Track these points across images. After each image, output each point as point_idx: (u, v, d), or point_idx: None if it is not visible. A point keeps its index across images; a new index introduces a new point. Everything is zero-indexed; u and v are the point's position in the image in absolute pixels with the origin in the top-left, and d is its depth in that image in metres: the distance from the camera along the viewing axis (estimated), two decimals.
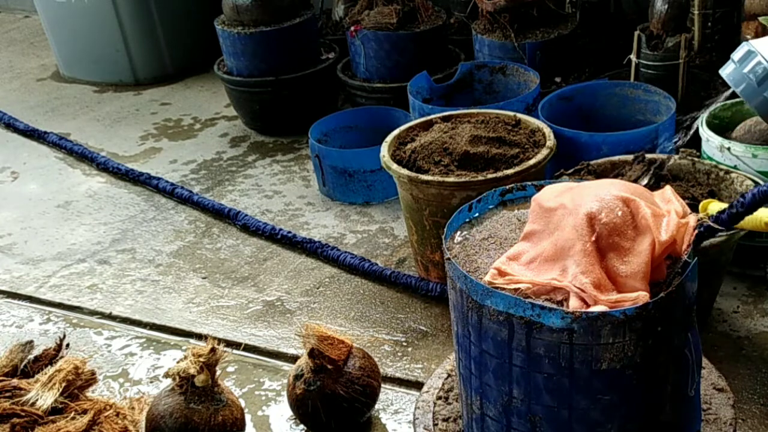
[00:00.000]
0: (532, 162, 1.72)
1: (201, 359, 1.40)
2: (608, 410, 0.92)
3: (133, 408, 1.50)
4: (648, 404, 0.93)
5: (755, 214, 1.44)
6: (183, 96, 3.23)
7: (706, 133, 1.78)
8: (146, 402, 1.51)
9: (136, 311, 1.93)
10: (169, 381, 1.45)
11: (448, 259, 0.99)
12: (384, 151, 1.84)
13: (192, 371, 1.40)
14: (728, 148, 1.72)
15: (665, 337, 0.90)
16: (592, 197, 0.95)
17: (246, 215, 2.24)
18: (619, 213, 0.93)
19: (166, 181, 2.48)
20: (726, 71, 1.45)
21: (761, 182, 1.63)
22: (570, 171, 1.73)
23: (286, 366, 1.70)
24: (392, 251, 2.05)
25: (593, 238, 0.92)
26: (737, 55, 1.43)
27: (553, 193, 0.99)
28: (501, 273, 0.95)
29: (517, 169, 1.71)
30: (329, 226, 2.21)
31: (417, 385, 1.58)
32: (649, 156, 1.71)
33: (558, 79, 2.45)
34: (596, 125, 2.11)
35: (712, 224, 1.40)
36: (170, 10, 3.31)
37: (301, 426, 1.52)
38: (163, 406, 1.41)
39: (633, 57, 2.24)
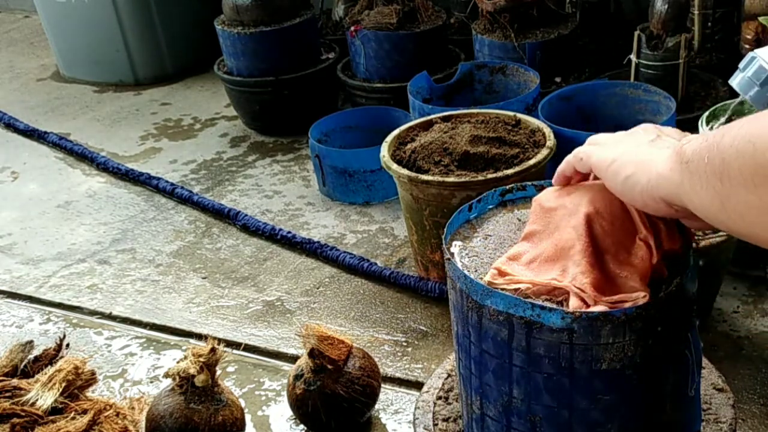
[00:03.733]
0: (532, 162, 1.72)
1: (201, 359, 1.40)
2: (608, 410, 0.92)
3: (133, 408, 1.50)
4: (648, 404, 0.93)
5: None
6: (183, 96, 3.23)
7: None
8: (146, 402, 1.51)
9: (136, 311, 1.93)
10: (169, 381, 1.45)
11: (448, 259, 0.99)
12: (384, 151, 1.84)
13: (192, 371, 1.40)
14: None
15: (665, 337, 0.90)
16: (591, 197, 0.95)
17: (246, 215, 2.24)
18: (618, 214, 0.93)
19: (166, 181, 2.48)
20: (734, 80, 1.51)
21: None
22: None
23: (286, 366, 1.70)
24: (392, 251, 2.05)
25: (593, 239, 0.92)
26: (742, 63, 1.49)
27: (553, 194, 0.99)
28: (501, 273, 0.95)
29: (517, 169, 1.71)
30: (329, 226, 2.21)
31: (417, 385, 1.58)
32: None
33: (558, 79, 2.45)
34: (596, 125, 2.11)
35: None
36: (170, 10, 3.31)
37: (301, 426, 1.52)
38: (163, 406, 1.41)
39: (633, 57, 2.24)
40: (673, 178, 0.78)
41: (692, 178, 0.75)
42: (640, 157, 0.84)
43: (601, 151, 0.90)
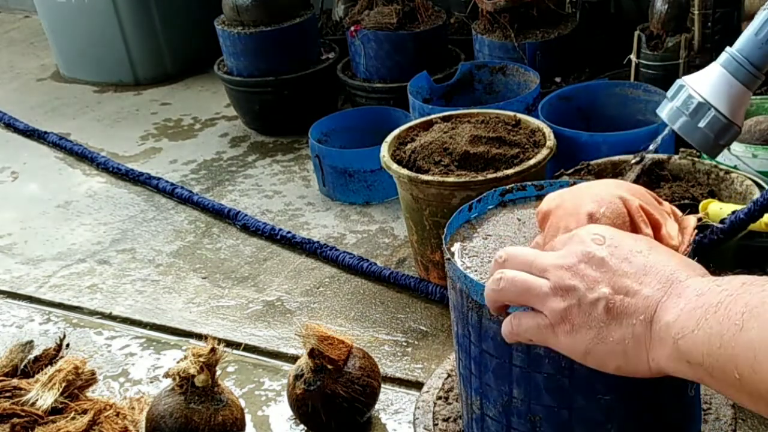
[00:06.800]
0: (532, 162, 1.72)
1: (201, 359, 1.40)
2: (608, 410, 0.92)
3: (133, 408, 1.50)
4: (648, 404, 0.93)
5: None
6: (183, 96, 3.23)
7: None
8: (146, 402, 1.51)
9: (136, 311, 1.93)
10: (169, 381, 1.45)
11: (448, 259, 0.99)
12: (384, 151, 1.84)
13: (192, 371, 1.40)
14: (728, 148, 1.72)
15: None
16: (591, 197, 0.95)
17: (246, 215, 2.24)
18: (619, 213, 0.93)
19: (166, 181, 2.48)
20: (662, 110, 1.39)
21: (761, 182, 1.63)
22: (570, 171, 1.73)
23: (286, 366, 1.70)
24: (392, 251, 2.05)
25: None
26: (670, 92, 1.39)
27: (551, 196, 0.99)
28: None
29: (517, 169, 1.71)
30: (329, 226, 2.21)
31: (417, 385, 1.58)
32: (649, 156, 1.71)
33: (558, 79, 2.45)
34: (596, 125, 2.12)
35: (715, 235, 1.40)
36: (170, 10, 3.31)
37: (301, 426, 1.52)
38: (163, 406, 1.41)
39: (633, 57, 2.24)
40: (684, 372, 0.71)
41: (721, 385, 0.68)
42: (622, 347, 0.75)
43: (562, 340, 0.78)
